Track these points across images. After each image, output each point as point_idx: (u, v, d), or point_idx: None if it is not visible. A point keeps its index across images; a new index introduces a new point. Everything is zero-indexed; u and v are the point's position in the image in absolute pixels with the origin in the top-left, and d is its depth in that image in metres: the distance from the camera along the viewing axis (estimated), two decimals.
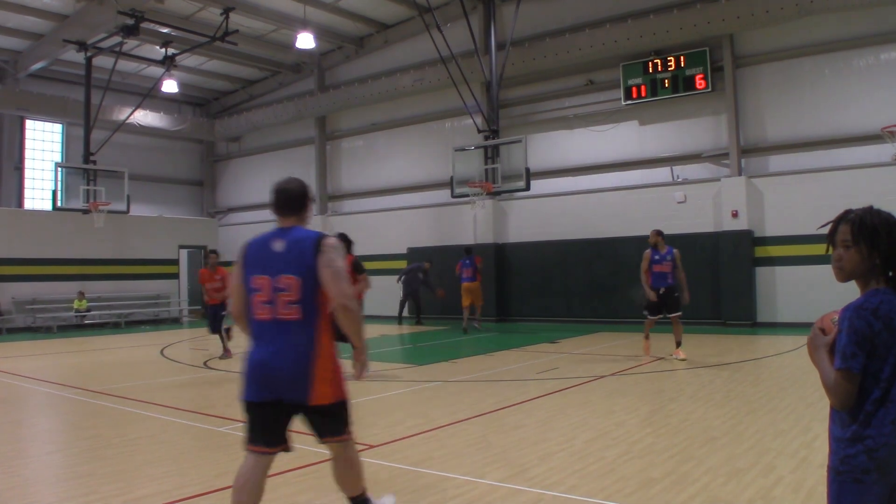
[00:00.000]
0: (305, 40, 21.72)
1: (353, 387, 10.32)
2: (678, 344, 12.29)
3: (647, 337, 12.73)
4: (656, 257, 12.22)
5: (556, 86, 22.07)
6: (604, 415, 7.85)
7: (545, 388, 9.74)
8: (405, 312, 22.91)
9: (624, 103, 20.41)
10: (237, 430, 7.38)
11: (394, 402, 9.21)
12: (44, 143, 27.67)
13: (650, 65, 19.90)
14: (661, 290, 12.12)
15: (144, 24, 21.43)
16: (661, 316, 12.32)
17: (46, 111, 26.26)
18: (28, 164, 27.11)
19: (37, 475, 6.33)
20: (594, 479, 5.40)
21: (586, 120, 21.46)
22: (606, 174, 21.11)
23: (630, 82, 20.25)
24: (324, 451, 6.37)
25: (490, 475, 5.57)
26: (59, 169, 23.13)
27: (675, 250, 12.25)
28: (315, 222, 27.29)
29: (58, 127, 27.82)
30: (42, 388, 11.01)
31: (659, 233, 12.38)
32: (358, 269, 10.94)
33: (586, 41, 20.35)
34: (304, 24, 21.84)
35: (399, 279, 22.41)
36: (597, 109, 21.24)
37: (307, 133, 28.27)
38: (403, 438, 6.88)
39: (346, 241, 10.89)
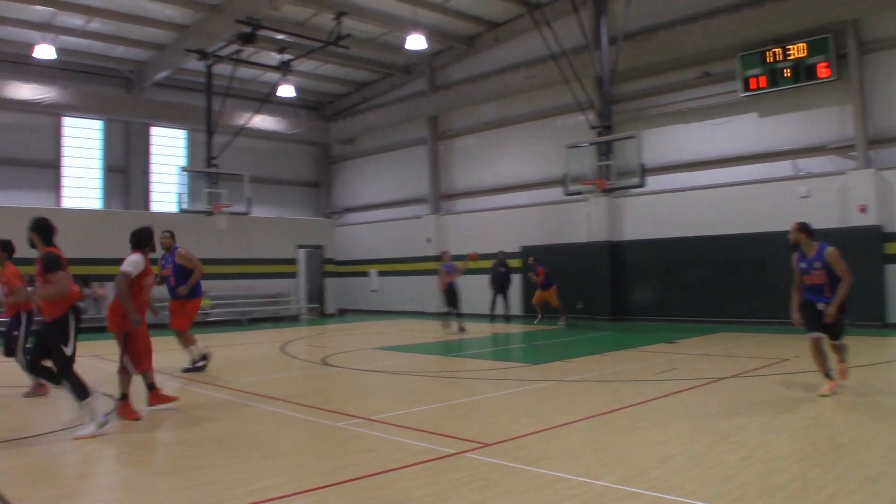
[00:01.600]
0: (416, 41, 21.92)
1: (464, 385, 10.39)
2: (836, 373, 8.90)
3: (822, 368, 8.90)
4: (802, 265, 8.82)
5: (670, 79, 21.55)
6: (724, 418, 7.62)
7: (662, 389, 9.53)
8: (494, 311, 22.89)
9: (742, 95, 19.74)
10: (354, 426, 7.53)
11: (507, 400, 9.18)
12: (169, 148, 28.96)
13: (769, 54, 19.17)
14: (819, 307, 8.67)
15: (261, 32, 22.10)
16: (821, 335, 8.72)
17: (170, 118, 27.66)
18: (154, 168, 28.46)
19: (164, 464, 6.61)
20: (715, 484, 5.25)
21: (702, 113, 20.88)
22: (724, 169, 20.48)
23: (748, 73, 19.57)
24: (440, 446, 6.45)
25: (606, 477, 5.49)
26: (184, 173, 24.05)
27: (827, 250, 8.60)
28: (428, 222, 27.57)
29: (181, 133, 29.08)
30: (170, 382, 11.47)
31: (802, 227, 8.85)
32: (50, 265, 7.96)
33: (700, 32, 19.81)
34: (415, 26, 22.06)
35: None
36: (713, 102, 20.63)
37: (419, 133, 28.55)
38: (517, 437, 6.85)
39: (42, 228, 8.49)
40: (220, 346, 18.17)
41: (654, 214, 21.51)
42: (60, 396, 9.97)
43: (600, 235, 22.33)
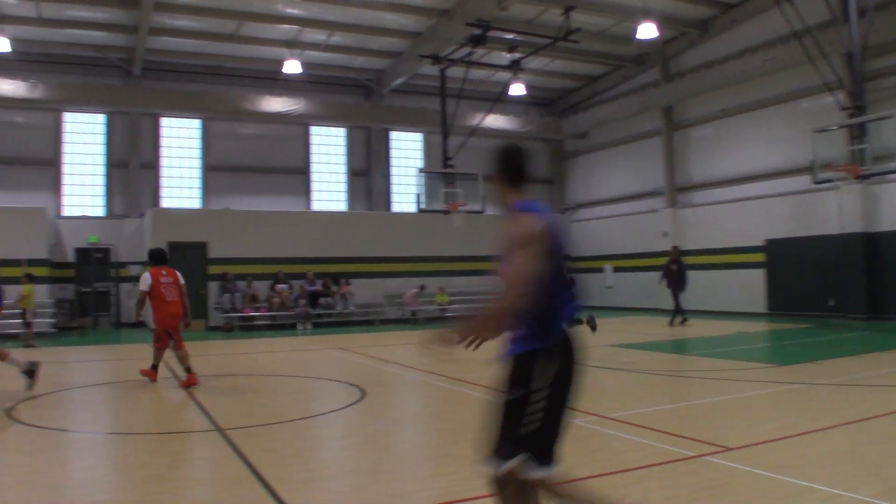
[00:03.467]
0: (647, 30, 21.38)
1: (703, 385, 10.00)
2: None
3: None
4: None
5: None
6: None
7: None
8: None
9: None
10: (591, 423, 7.46)
11: (751, 403, 8.75)
12: (407, 151, 30.23)
13: None
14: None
15: (491, 33, 22.49)
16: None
17: (408, 122, 29.06)
18: (394, 171, 29.85)
19: (407, 452, 6.91)
20: None
21: None
22: None
23: None
24: (679, 448, 6.25)
25: (860, 490, 5.06)
26: (421, 174, 24.91)
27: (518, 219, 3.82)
28: (663, 215, 26.85)
29: (418, 136, 30.28)
30: (411, 375, 11.98)
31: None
32: None
33: None
34: (645, 14, 21.48)
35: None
36: None
37: (653, 124, 27.82)
38: (762, 443, 6.50)
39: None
40: None
41: None
42: (314, 387, 10.69)
43: (854, 226, 20.65)
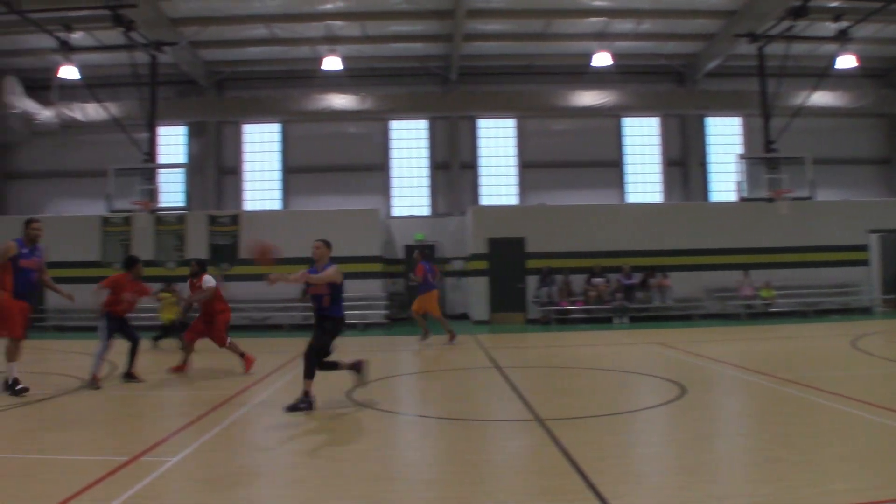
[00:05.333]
0: None
1: None
2: None
3: None
4: None
5: None
6: None
7: None
8: None
9: None
10: None
11: None
12: (724, 136, 28.96)
13: None
14: None
15: (812, 3, 20.83)
16: None
17: (724, 106, 27.84)
18: (712, 158, 28.74)
19: (727, 455, 6.62)
20: None
21: None
22: None
23: None
24: None
25: None
26: (741, 160, 23.74)
27: None
28: None
29: (735, 120, 28.87)
30: (731, 372, 11.44)
31: None
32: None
33: None
34: None
35: None
36: None
37: None
38: None
39: None
40: (784, 337, 17.62)
41: None
42: (632, 382, 10.62)
43: None
